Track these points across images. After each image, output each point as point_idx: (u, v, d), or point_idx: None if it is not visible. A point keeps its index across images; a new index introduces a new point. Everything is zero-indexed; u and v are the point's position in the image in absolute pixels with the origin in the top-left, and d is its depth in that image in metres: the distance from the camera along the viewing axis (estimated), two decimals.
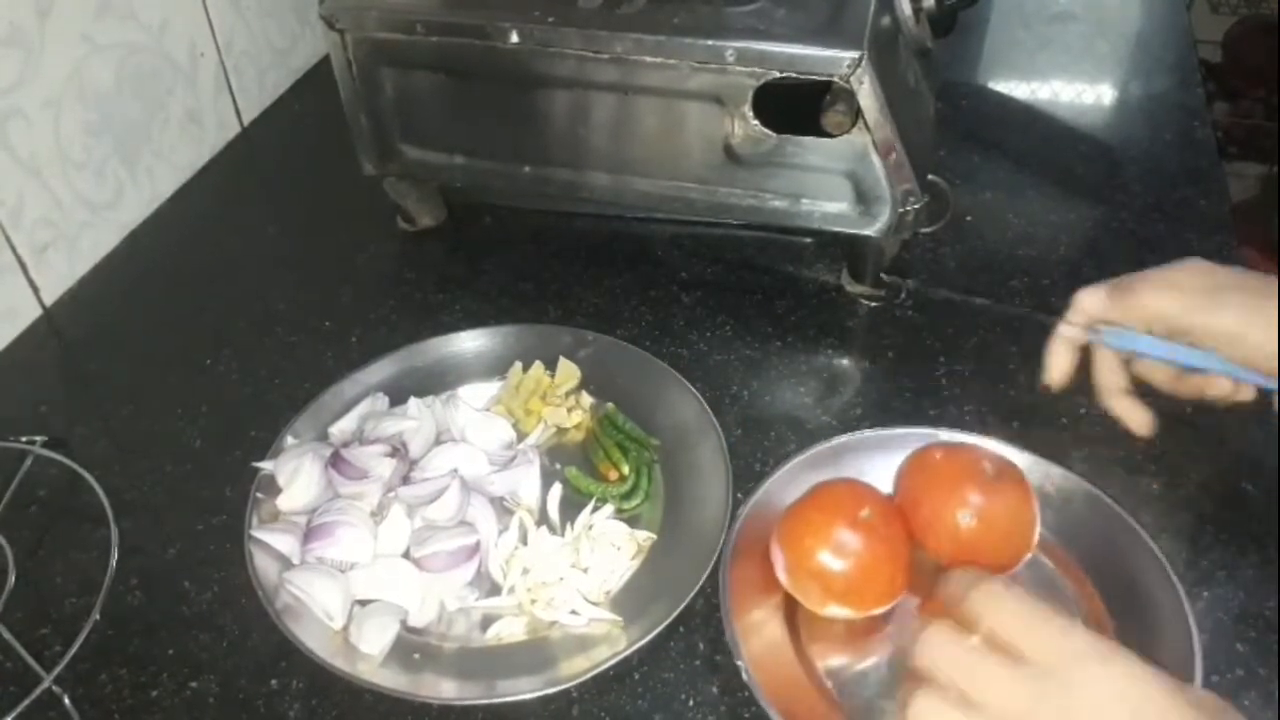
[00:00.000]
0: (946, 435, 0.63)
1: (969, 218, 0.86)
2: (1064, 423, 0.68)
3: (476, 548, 0.60)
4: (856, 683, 0.55)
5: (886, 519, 0.55)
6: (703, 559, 0.58)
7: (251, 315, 0.81)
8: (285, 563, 0.60)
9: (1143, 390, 0.62)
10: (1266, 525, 0.61)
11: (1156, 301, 0.56)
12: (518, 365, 0.72)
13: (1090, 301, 0.59)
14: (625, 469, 0.65)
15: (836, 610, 0.54)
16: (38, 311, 0.82)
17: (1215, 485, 0.64)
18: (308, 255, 0.88)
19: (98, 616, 0.59)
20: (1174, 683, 0.38)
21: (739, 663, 0.52)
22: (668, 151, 0.74)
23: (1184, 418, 0.68)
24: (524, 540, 0.62)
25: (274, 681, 0.56)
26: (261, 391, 0.74)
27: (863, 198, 0.70)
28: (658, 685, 0.55)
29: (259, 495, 0.63)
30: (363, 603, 0.58)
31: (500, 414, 0.69)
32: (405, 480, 0.64)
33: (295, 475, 0.62)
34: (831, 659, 0.55)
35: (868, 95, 0.65)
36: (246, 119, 1.04)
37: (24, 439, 0.68)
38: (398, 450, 0.64)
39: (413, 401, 0.68)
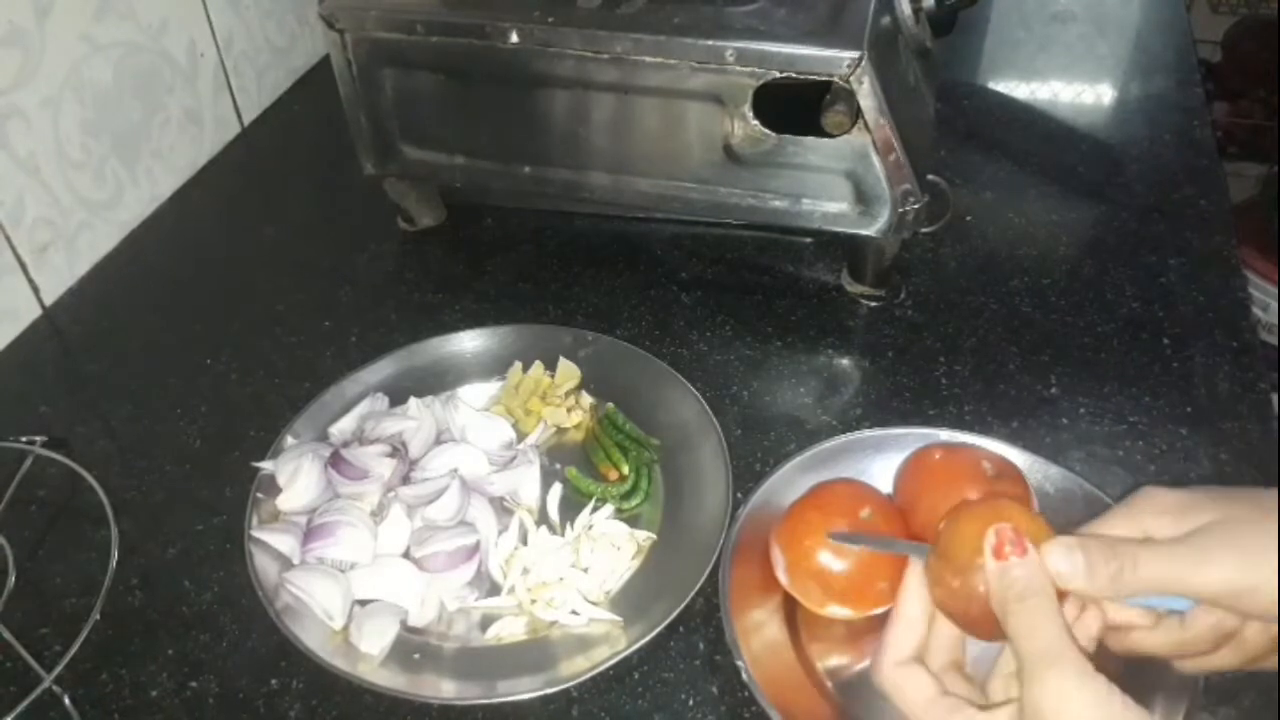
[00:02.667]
0: (946, 435, 0.63)
1: (969, 218, 0.86)
2: (1064, 423, 0.68)
3: (476, 548, 0.60)
4: (856, 683, 0.55)
5: (886, 519, 0.54)
6: (703, 559, 0.58)
7: (251, 315, 0.81)
8: (285, 563, 0.60)
9: None
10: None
11: (1156, 570, 0.41)
12: (517, 365, 0.72)
13: (1077, 583, 0.42)
14: (625, 469, 0.65)
15: (836, 610, 0.54)
16: (38, 311, 0.82)
17: (1215, 485, 0.64)
18: (307, 255, 0.88)
19: (98, 616, 0.59)
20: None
21: (739, 663, 0.52)
22: (668, 151, 0.74)
23: (1184, 417, 0.68)
24: (524, 540, 0.62)
25: (274, 681, 0.56)
26: (261, 391, 0.74)
27: (863, 198, 0.70)
28: (658, 685, 0.55)
29: (259, 495, 0.63)
30: (363, 603, 0.58)
31: (500, 414, 0.69)
32: (405, 480, 0.64)
33: (295, 475, 0.62)
34: (831, 659, 0.56)
35: (867, 95, 0.65)
36: (246, 119, 1.04)
37: (24, 439, 0.68)
38: (398, 450, 0.64)
39: (413, 401, 0.68)
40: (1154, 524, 0.43)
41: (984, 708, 0.42)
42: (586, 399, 0.71)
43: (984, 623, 0.43)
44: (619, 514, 0.63)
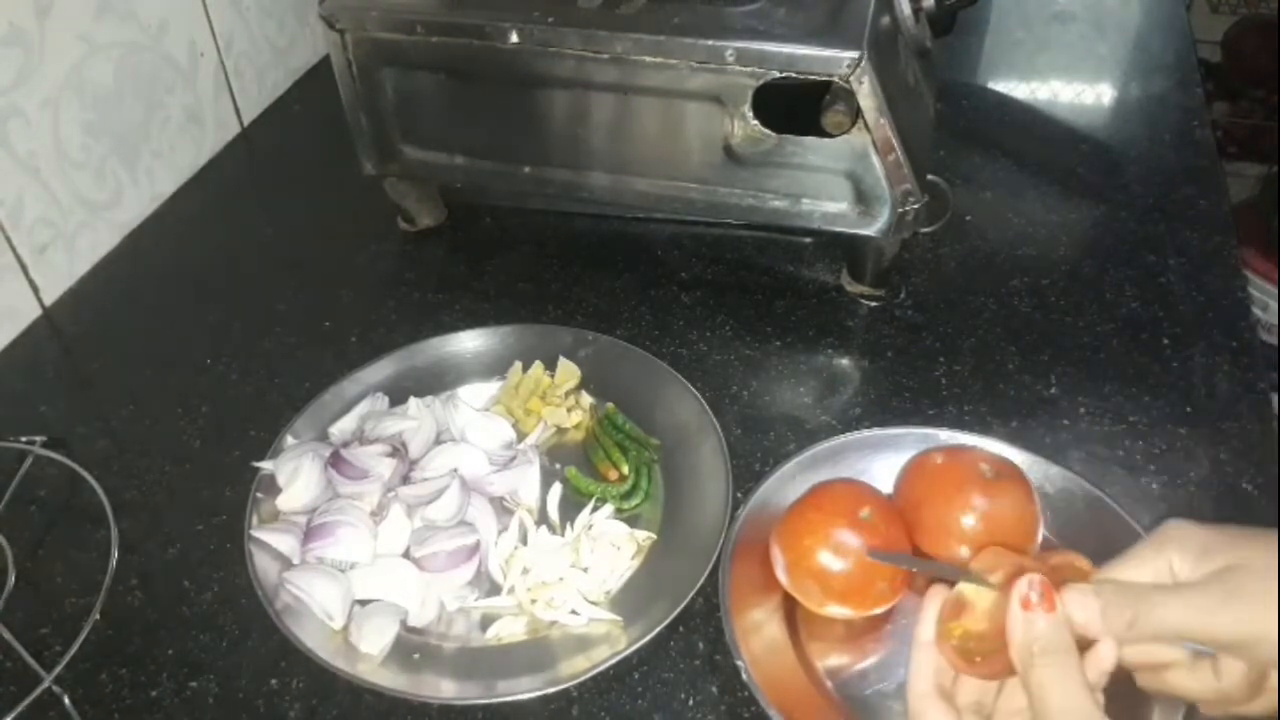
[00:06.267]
0: (946, 435, 0.63)
1: (969, 218, 0.86)
2: (1064, 423, 0.68)
3: (476, 548, 0.60)
4: (856, 683, 0.55)
5: (886, 519, 0.55)
6: (703, 559, 0.58)
7: (251, 315, 0.81)
8: (285, 563, 0.60)
9: None
10: (1266, 525, 0.61)
11: (1169, 617, 0.41)
12: (517, 365, 0.72)
13: (1092, 629, 0.42)
14: (625, 469, 0.65)
15: (836, 610, 0.54)
16: (37, 311, 0.82)
17: (1215, 485, 0.64)
18: (308, 255, 0.88)
19: (98, 616, 0.59)
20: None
21: (739, 663, 0.52)
22: (667, 151, 0.74)
23: (1184, 416, 0.68)
24: (524, 540, 0.62)
25: (274, 681, 0.56)
26: (261, 391, 0.74)
27: (862, 197, 0.70)
28: (658, 685, 0.55)
29: (259, 495, 0.63)
30: (363, 603, 0.58)
31: (500, 414, 0.69)
32: (405, 480, 0.64)
33: (295, 475, 0.62)
34: (831, 659, 0.56)
35: (867, 95, 0.65)
36: (246, 119, 1.04)
37: (24, 439, 0.68)
38: (398, 450, 0.64)
39: (413, 401, 0.68)
40: (1178, 562, 0.43)
41: None
42: (586, 399, 0.71)
43: (986, 664, 0.43)
44: (619, 514, 0.63)
